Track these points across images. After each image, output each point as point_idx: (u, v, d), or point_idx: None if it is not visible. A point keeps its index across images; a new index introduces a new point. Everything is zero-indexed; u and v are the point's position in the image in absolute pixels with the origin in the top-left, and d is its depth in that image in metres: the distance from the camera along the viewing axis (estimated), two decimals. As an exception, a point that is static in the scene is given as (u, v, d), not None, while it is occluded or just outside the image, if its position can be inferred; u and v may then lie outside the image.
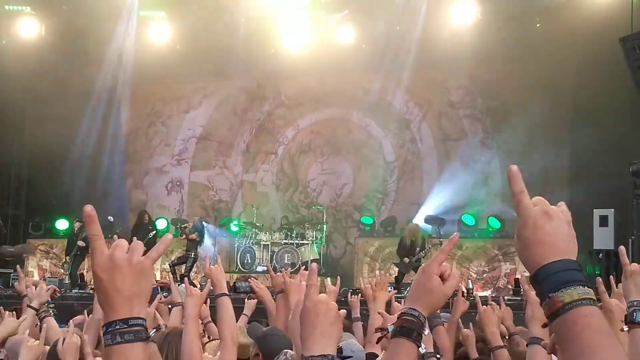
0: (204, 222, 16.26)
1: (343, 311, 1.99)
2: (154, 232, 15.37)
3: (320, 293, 1.93)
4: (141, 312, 1.54)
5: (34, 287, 4.95)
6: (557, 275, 1.44)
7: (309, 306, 1.87)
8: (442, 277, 1.93)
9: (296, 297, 3.97)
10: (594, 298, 1.43)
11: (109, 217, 17.34)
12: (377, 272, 16.77)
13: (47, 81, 17.48)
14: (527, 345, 2.95)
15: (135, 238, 4.67)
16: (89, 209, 1.52)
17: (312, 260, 16.57)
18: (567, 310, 1.40)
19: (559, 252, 1.46)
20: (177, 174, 20.09)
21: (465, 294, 12.66)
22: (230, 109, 19.70)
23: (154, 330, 3.25)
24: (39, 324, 4.75)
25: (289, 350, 3.24)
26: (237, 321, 4.89)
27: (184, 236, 15.24)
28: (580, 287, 1.42)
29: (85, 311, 5.48)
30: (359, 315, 5.27)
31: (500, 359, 4.01)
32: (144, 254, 1.55)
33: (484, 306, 4.14)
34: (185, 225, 15.48)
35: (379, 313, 4.10)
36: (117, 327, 1.50)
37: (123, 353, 1.50)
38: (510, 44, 16.46)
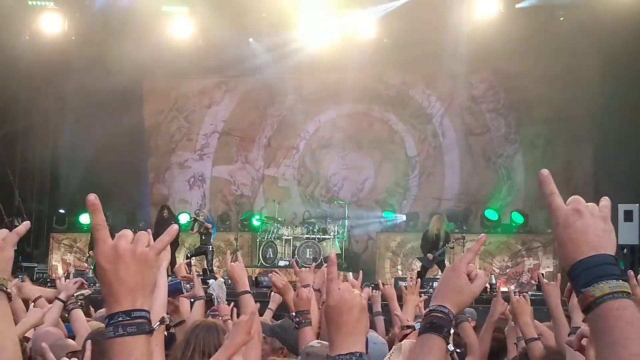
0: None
1: (366, 301, 1.97)
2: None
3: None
4: (144, 304, 1.52)
5: (63, 279, 5.01)
6: (589, 270, 1.46)
7: (332, 304, 1.83)
8: (469, 277, 1.95)
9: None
10: (628, 291, 1.44)
11: (140, 224, 17.48)
12: (399, 267, 16.84)
13: (68, 76, 17.62)
14: (568, 336, 2.92)
15: (149, 230, 4.67)
16: (92, 197, 1.52)
17: (336, 256, 16.70)
18: (599, 304, 1.42)
19: (591, 248, 1.48)
20: (199, 168, 20.16)
21: (488, 290, 12.67)
22: (252, 104, 19.83)
23: (158, 323, 3.27)
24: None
25: (317, 342, 3.23)
26: (262, 315, 4.91)
27: (196, 229, 15.42)
28: (613, 280, 1.44)
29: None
30: (380, 310, 5.32)
31: (534, 351, 3.98)
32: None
33: (517, 296, 4.15)
34: (197, 217, 15.64)
35: (395, 314, 4.12)
36: (120, 319, 1.49)
37: (126, 346, 1.48)
38: (534, 37, 16.44)
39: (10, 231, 2.21)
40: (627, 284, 1.45)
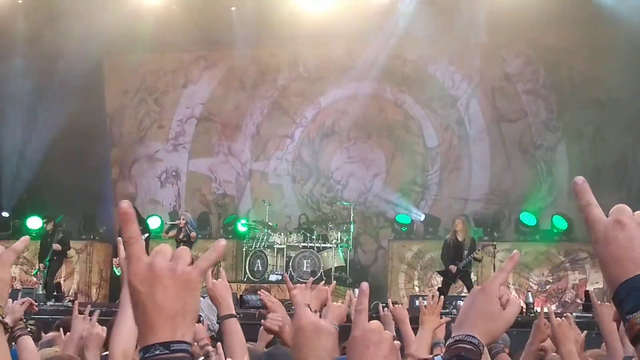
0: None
1: (398, 342, 2.01)
2: (147, 234, 15.40)
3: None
4: (186, 335, 1.49)
5: (10, 301, 4.99)
6: (636, 293, 1.44)
7: (358, 335, 1.88)
8: (500, 301, 1.94)
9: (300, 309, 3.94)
10: None
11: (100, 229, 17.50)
12: (416, 282, 16.82)
13: (13, 51, 17.58)
14: None
15: (119, 239, 4.57)
16: (125, 205, 1.49)
17: (337, 268, 16.65)
18: None
19: (638, 266, 1.46)
20: (172, 162, 20.27)
21: (524, 310, 12.64)
22: (237, 83, 19.86)
23: (202, 358, 3.24)
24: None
25: None
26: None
27: (172, 233, 15.49)
28: None
29: (60, 327, 5.47)
30: (394, 333, 5.24)
31: None
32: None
33: (558, 318, 4.03)
34: (176, 222, 15.60)
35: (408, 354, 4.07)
36: (157, 352, 1.46)
37: None
38: (581, 4, 16.45)
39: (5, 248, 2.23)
40: None
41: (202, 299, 7.20)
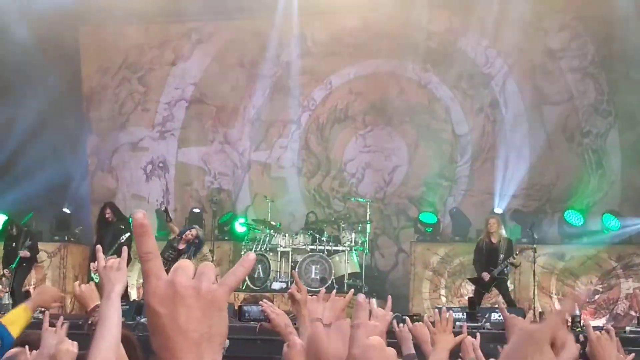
0: None
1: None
2: (128, 234, 15.44)
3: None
4: None
5: None
6: None
7: (357, 353, 1.88)
8: (553, 345, 2.01)
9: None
10: None
11: (64, 209, 17.66)
12: (443, 291, 16.95)
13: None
14: None
15: (98, 246, 4.62)
16: (140, 216, 1.48)
17: (351, 275, 16.68)
18: None
19: None
20: (159, 151, 20.42)
21: (569, 324, 12.66)
22: (235, 60, 19.92)
23: None
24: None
25: None
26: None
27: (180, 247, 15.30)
28: None
29: (26, 343, 5.52)
30: (413, 352, 5.27)
31: None
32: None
33: (597, 332, 4.00)
34: (189, 232, 15.40)
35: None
36: None
37: None
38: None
39: None
40: None
41: None
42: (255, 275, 16.66)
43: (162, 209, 16.24)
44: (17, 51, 17.55)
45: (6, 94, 18.44)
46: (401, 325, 5.53)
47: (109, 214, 15.88)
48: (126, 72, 20.49)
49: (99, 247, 4.39)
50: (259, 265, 16.70)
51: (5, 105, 18.50)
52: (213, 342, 1.48)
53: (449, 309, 13.39)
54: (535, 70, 18.38)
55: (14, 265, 15.50)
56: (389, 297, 5.22)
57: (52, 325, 4.85)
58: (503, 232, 15.09)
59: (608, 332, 3.98)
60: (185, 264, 1.49)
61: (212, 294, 1.47)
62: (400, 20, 18.43)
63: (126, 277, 3.91)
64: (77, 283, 4.13)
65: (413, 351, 5.27)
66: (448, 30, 18.58)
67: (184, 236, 15.21)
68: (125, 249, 4.95)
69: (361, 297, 1.97)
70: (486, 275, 14.34)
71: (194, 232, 15.27)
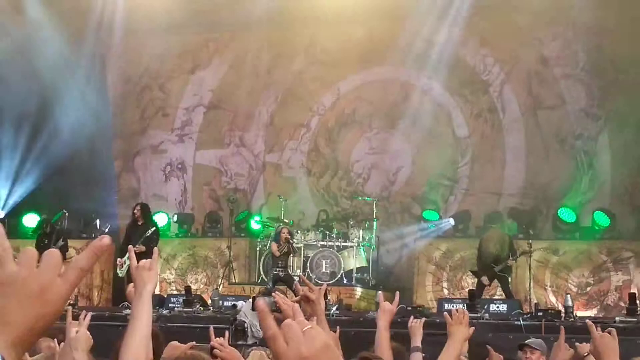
0: None
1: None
2: (154, 228, 15.52)
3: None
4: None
5: None
6: None
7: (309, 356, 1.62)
8: None
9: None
10: None
11: (103, 228, 17.82)
12: (445, 284, 16.98)
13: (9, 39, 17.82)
14: None
15: (130, 247, 4.66)
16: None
17: (359, 269, 16.81)
18: None
19: None
20: (178, 153, 20.38)
21: (563, 315, 12.90)
22: (250, 68, 19.70)
23: None
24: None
25: None
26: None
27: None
28: None
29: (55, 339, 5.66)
30: (419, 345, 5.22)
31: None
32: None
33: (600, 331, 4.03)
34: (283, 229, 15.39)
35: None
36: None
37: None
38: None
39: None
40: None
41: (243, 302, 7.43)
42: (269, 270, 16.78)
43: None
44: (51, 62, 17.55)
45: (33, 107, 18.37)
46: (416, 320, 5.47)
47: (137, 212, 15.85)
48: (148, 80, 20.39)
49: (130, 247, 4.54)
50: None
51: (42, 115, 18.60)
52: (33, 334, 1.40)
53: (450, 301, 13.72)
54: (530, 77, 18.38)
55: None
56: (397, 292, 5.38)
57: (75, 318, 4.80)
58: (505, 229, 15.26)
59: (610, 332, 3.97)
60: (31, 252, 1.46)
61: (39, 285, 1.40)
62: (404, 30, 18.27)
63: (157, 277, 3.86)
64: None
65: (419, 344, 5.24)
66: (449, 40, 18.27)
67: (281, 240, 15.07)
68: (156, 249, 5.07)
69: (380, 297, 1.80)
70: (485, 280, 14.41)
71: (285, 231, 15.10)
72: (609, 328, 4.21)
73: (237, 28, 19.60)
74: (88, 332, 4.74)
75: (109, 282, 18.35)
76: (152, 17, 18.50)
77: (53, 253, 1.46)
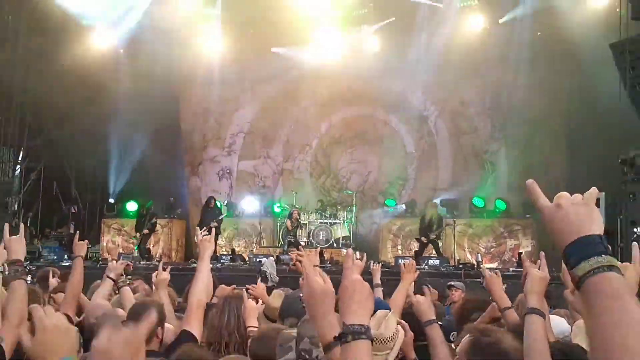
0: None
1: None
2: (221, 217, 15.65)
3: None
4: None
5: (113, 262, 5.07)
6: (574, 254, 1.35)
7: (347, 284, 1.83)
8: None
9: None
10: (611, 264, 1.31)
11: (170, 198, 17.89)
12: (399, 247, 16.95)
13: (117, 85, 17.93)
14: (524, 315, 2.68)
15: (197, 228, 4.68)
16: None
17: (344, 237, 16.88)
18: (582, 282, 1.32)
19: (574, 233, 1.37)
20: (227, 163, 20.18)
21: (476, 266, 12.98)
22: (273, 107, 19.67)
23: None
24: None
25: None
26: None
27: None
28: (594, 257, 1.32)
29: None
30: (379, 282, 5.11)
31: (509, 319, 3.73)
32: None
33: (490, 273, 3.94)
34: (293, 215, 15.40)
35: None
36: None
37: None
38: (516, 50, 16.49)
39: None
40: (610, 257, 1.32)
41: (266, 259, 7.43)
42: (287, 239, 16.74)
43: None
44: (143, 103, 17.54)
45: (135, 131, 18.43)
46: (376, 263, 5.35)
47: (212, 203, 15.97)
48: (207, 115, 20.25)
49: (197, 228, 4.61)
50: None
51: (136, 138, 18.63)
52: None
53: (403, 257, 13.79)
54: (454, 114, 18.29)
55: (142, 232, 15.57)
56: (364, 254, 5.32)
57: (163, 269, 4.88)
58: (437, 211, 15.21)
59: (496, 273, 3.93)
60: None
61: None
62: (372, 84, 18.26)
63: (213, 246, 3.97)
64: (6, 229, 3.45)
65: (379, 282, 5.06)
66: (402, 90, 18.35)
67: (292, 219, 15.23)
68: (213, 229, 5.16)
69: (349, 250, 1.95)
70: (424, 240, 14.37)
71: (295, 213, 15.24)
72: (496, 271, 4.17)
73: (263, 81, 19.50)
74: (166, 274, 4.79)
75: (182, 246, 18.52)
76: (209, 73, 18.64)
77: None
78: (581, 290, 1.32)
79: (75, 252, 5.01)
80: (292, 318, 3.48)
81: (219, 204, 16.76)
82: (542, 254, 3.04)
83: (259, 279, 5.59)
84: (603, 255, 1.32)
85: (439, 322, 3.50)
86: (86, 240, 5.15)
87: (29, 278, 3.45)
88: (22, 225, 3.54)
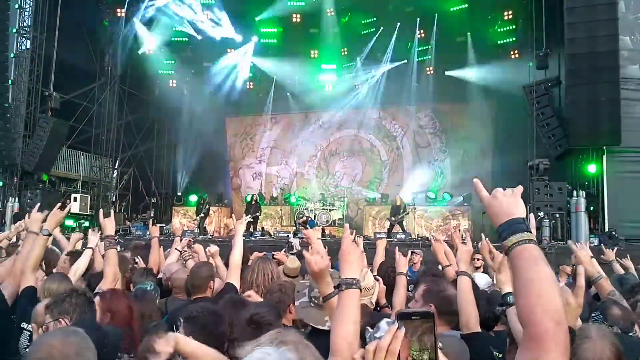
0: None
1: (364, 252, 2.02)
2: (257, 213, 15.21)
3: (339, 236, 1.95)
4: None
5: (179, 238, 4.94)
6: (504, 231, 1.34)
7: (344, 248, 1.72)
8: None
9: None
10: (531, 238, 1.31)
11: (220, 192, 17.79)
12: (377, 226, 16.94)
13: (182, 114, 17.87)
14: (457, 276, 2.62)
15: (234, 217, 4.47)
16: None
17: (339, 219, 16.76)
18: (510, 250, 1.30)
19: (505, 216, 1.35)
20: (258, 168, 20.00)
21: (430, 240, 12.85)
22: (290, 129, 19.63)
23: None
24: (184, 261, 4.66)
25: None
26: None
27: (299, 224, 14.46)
28: (519, 233, 1.31)
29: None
30: (361, 249, 4.92)
31: (449, 275, 3.59)
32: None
33: (435, 241, 3.79)
34: (303, 217, 14.97)
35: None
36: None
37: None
38: (456, 93, 16.57)
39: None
40: (529, 233, 1.31)
41: (292, 236, 7.25)
42: (302, 219, 16.34)
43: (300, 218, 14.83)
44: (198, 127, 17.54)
45: (192, 148, 18.35)
46: (358, 237, 4.71)
47: (256, 197, 15.73)
48: (244, 136, 20.03)
49: (244, 214, 4.39)
50: (301, 216, 16.03)
51: (195, 151, 18.43)
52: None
53: (378, 233, 13.62)
54: (415, 134, 18.22)
55: (200, 216, 15.40)
56: (347, 224, 5.32)
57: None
58: (403, 201, 15.28)
59: (437, 240, 3.76)
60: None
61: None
62: (358, 114, 18.31)
63: (244, 226, 3.68)
64: (101, 213, 3.22)
65: (362, 249, 5.07)
66: (379, 117, 18.39)
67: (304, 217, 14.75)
68: (244, 217, 4.90)
69: (347, 225, 1.88)
70: (393, 219, 14.17)
71: (304, 218, 14.54)
72: (438, 239, 3.86)
73: (285, 111, 19.34)
74: (218, 248, 4.46)
75: (227, 225, 18.47)
76: (247, 107, 18.60)
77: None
78: (510, 256, 1.30)
79: (151, 233, 4.96)
80: (308, 274, 3.50)
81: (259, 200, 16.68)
82: (468, 233, 3.04)
83: (284, 249, 5.49)
84: (525, 232, 1.31)
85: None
86: (157, 225, 5.04)
87: (118, 247, 3.39)
88: (112, 211, 3.46)
